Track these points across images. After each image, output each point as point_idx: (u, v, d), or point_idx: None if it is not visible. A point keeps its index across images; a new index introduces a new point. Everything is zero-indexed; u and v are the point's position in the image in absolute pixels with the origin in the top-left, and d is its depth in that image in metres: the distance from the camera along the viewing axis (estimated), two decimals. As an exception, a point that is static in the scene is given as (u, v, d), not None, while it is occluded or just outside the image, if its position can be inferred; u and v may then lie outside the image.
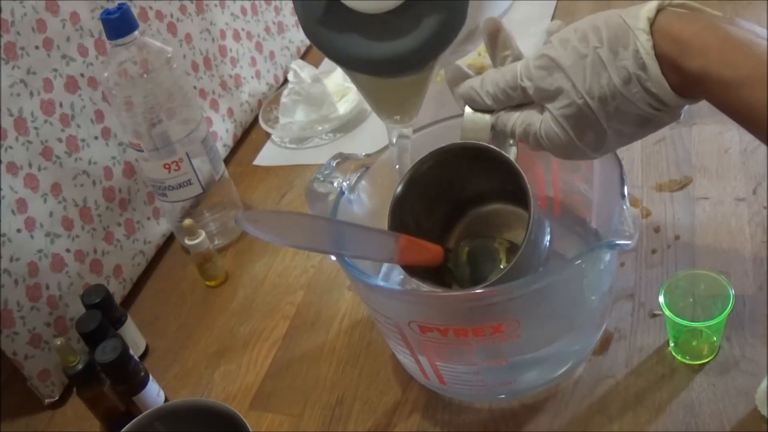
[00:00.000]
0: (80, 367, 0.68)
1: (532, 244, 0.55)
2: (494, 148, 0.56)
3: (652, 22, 0.46)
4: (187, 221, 0.83)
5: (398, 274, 0.70)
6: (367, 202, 0.67)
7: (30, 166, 0.77)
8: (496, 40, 0.55)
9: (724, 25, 0.45)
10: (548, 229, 0.59)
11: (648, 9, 0.46)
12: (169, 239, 0.96)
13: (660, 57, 0.46)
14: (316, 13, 0.54)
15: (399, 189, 0.61)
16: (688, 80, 0.45)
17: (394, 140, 0.63)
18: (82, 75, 0.84)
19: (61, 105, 0.81)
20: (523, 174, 0.56)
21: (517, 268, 0.55)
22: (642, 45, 0.46)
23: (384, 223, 0.61)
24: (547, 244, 0.59)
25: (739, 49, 0.43)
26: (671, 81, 0.46)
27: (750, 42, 0.43)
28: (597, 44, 0.47)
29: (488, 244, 0.63)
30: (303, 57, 1.24)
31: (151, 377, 0.71)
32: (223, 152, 1.05)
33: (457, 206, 0.65)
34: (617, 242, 0.52)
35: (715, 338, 0.63)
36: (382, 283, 0.61)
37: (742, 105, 0.44)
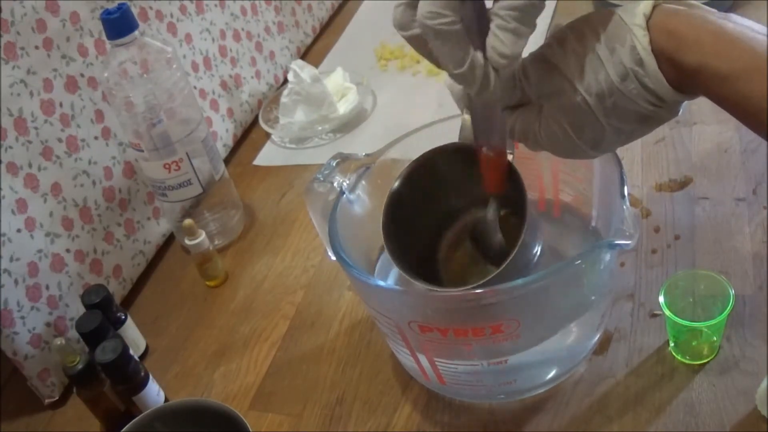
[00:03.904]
0: (80, 367, 0.68)
1: (523, 247, 0.56)
2: None
3: (648, 18, 0.46)
4: (187, 221, 0.83)
5: (398, 274, 0.70)
6: (367, 202, 0.67)
7: (30, 166, 0.77)
8: None
9: (719, 20, 0.45)
10: (540, 235, 0.60)
11: (644, 5, 0.47)
12: (169, 239, 0.96)
13: (656, 52, 0.46)
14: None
15: (395, 185, 0.61)
16: (684, 75, 0.45)
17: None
18: (82, 75, 0.84)
19: (61, 105, 0.81)
20: (520, 175, 0.56)
21: (507, 271, 0.55)
22: (638, 41, 0.46)
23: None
24: (538, 250, 0.59)
25: (735, 42, 0.44)
26: (668, 76, 0.46)
27: (745, 36, 0.44)
28: (594, 41, 0.47)
29: (479, 247, 0.64)
30: (303, 57, 1.24)
31: (151, 377, 0.71)
32: (223, 152, 1.05)
33: (452, 208, 0.65)
34: (617, 242, 0.52)
35: (715, 338, 0.63)
36: (382, 283, 0.61)
37: (739, 98, 0.44)
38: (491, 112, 0.54)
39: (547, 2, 0.47)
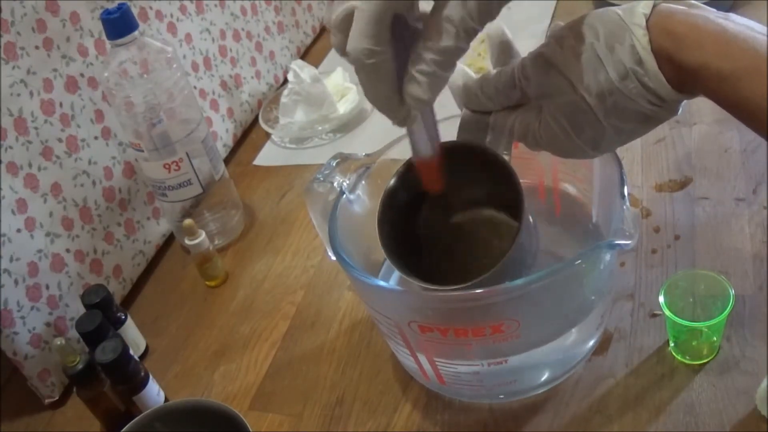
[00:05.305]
0: (80, 367, 0.68)
1: (520, 248, 0.56)
2: (489, 148, 0.56)
3: (648, 18, 0.46)
4: (187, 221, 0.83)
5: (398, 274, 0.70)
6: (367, 202, 0.67)
7: (30, 166, 0.77)
8: (500, 48, 0.56)
9: (719, 19, 0.45)
10: (537, 235, 0.60)
11: (643, 5, 0.47)
12: (169, 239, 0.96)
13: (656, 52, 0.46)
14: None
15: (391, 183, 0.61)
16: (684, 74, 0.45)
17: None
18: (82, 75, 0.84)
19: (61, 105, 0.81)
20: (517, 175, 0.56)
21: (502, 272, 0.55)
22: (638, 40, 0.46)
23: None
24: (535, 250, 0.59)
25: (735, 42, 0.43)
26: (668, 76, 0.46)
27: (745, 35, 0.44)
28: (593, 40, 0.47)
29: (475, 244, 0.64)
30: (303, 57, 1.24)
31: (151, 377, 0.71)
32: (223, 152, 1.06)
33: (448, 207, 0.65)
34: (617, 242, 0.52)
35: (715, 338, 0.63)
36: (382, 283, 0.61)
37: (740, 98, 0.44)
38: (410, 129, 0.54)
39: (547, 2, 0.47)
